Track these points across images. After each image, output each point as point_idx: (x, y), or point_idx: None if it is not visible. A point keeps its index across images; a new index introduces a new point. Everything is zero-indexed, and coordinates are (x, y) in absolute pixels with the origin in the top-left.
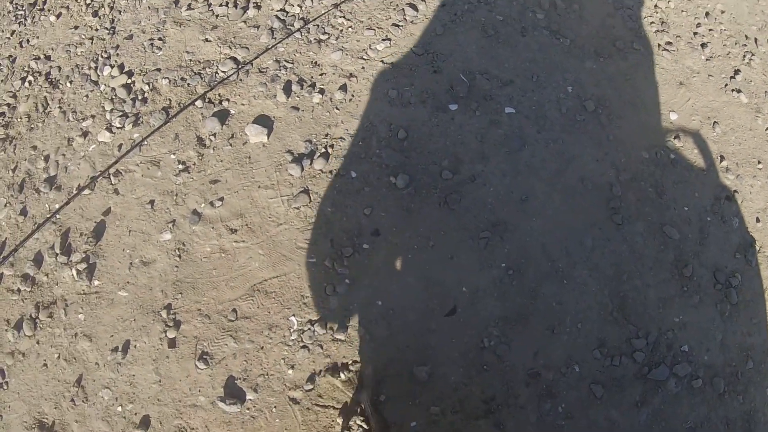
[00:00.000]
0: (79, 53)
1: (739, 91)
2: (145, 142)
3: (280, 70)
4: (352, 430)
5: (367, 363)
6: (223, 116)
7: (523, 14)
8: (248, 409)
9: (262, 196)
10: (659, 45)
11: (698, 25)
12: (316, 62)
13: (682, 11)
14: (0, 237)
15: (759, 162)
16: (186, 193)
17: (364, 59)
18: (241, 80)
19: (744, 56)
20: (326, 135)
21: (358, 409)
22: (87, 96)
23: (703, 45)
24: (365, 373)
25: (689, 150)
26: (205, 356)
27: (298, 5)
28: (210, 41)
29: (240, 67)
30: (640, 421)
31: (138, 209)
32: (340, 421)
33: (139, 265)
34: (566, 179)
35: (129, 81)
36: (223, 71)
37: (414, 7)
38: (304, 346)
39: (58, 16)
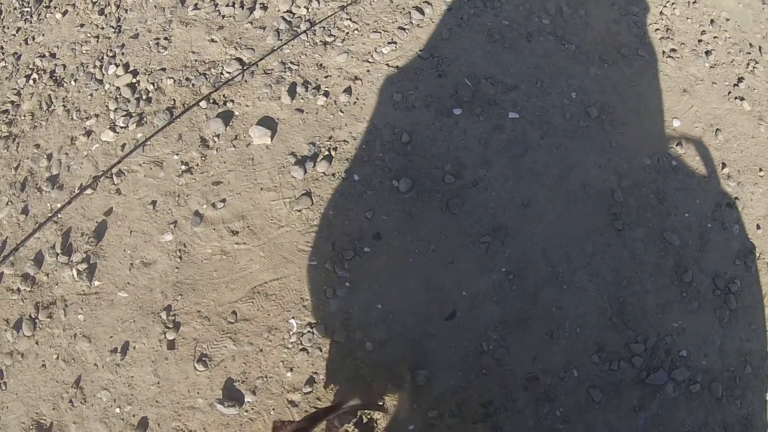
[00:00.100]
0: (84, 51)
1: (742, 98)
2: (149, 143)
3: (285, 71)
4: None
5: (363, 366)
6: (227, 117)
7: (529, 19)
8: (246, 411)
9: (265, 198)
10: (664, 52)
11: (703, 32)
12: (321, 64)
13: (687, 18)
14: (1, 236)
15: (760, 169)
16: (188, 194)
17: (370, 62)
18: (246, 81)
19: (748, 64)
20: (330, 138)
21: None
22: (91, 95)
23: (708, 52)
24: (360, 377)
25: (691, 157)
26: (204, 358)
27: (305, 7)
28: (216, 42)
29: (245, 68)
30: (637, 425)
31: (140, 210)
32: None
33: (139, 265)
34: (568, 185)
35: (134, 80)
36: (228, 72)
37: (420, 10)
38: (303, 349)
39: (64, 13)
